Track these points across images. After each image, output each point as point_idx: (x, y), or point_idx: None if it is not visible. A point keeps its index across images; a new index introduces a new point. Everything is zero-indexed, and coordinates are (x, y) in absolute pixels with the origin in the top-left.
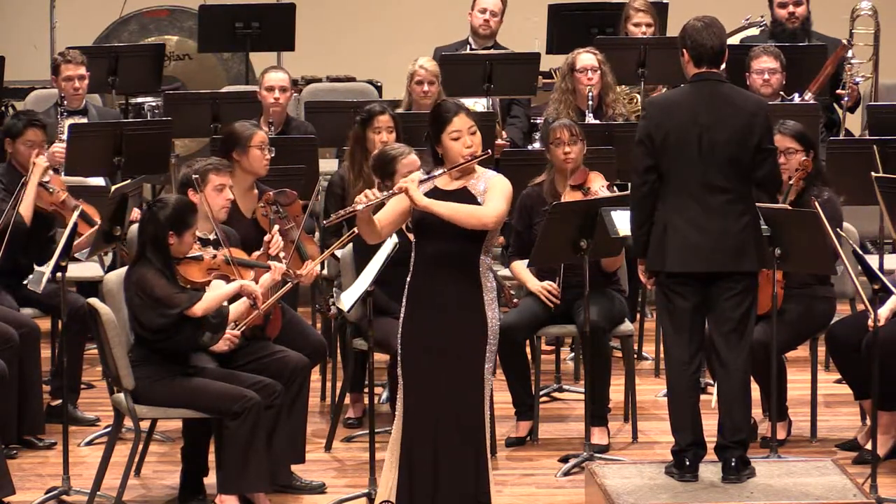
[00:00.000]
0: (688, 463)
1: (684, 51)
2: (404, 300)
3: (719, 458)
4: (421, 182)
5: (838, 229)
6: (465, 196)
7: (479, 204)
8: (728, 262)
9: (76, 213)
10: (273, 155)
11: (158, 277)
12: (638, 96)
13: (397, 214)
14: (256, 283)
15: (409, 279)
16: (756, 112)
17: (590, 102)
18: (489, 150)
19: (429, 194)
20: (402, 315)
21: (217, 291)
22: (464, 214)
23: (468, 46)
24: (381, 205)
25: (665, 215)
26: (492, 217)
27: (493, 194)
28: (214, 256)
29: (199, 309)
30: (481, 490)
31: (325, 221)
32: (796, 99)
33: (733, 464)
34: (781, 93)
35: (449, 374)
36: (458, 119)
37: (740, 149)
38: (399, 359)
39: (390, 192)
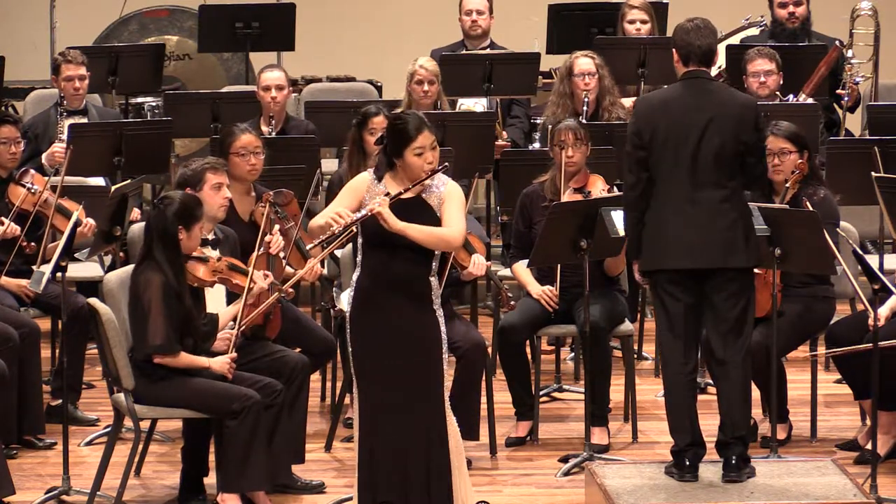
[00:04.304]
0: (687, 463)
1: (674, 50)
2: (352, 298)
3: (720, 455)
4: (387, 196)
5: (837, 228)
6: (419, 205)
7: (432, 211)
8: (717, 258)
9: (74, 215)
10: (263, 156)
11: (161, 297)
12: None
13: None
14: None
15: (356, 278)
16: (744, 110)
17: (584, 108)
18: (446, 164)
19: (390, 205)
20: (349, 314)
21: (193, 359)
22: (434, 239)
23: (464, 48)
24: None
25: (657, 214)
26: (458, 238)
27: (450, 209)
28: (219, 259)
29: (176, 361)
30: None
31: (308, 247)
32: (791, 99)
33: (734, 461)
34: (777, 93)
35: (403, 372)
36: (421, 136)
37: (729, 146)
38: (350, 358)
39: (363, 213)
